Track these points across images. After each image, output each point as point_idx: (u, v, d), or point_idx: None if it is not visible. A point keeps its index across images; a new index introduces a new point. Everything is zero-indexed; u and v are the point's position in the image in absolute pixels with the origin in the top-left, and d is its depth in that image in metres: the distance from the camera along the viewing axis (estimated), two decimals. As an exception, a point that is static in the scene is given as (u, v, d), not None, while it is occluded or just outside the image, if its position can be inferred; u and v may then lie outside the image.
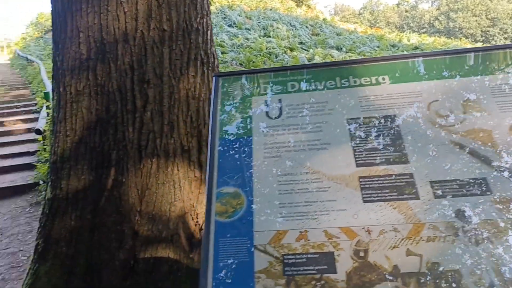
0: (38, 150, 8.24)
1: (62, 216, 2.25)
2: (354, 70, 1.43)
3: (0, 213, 5.85)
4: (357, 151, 1.25)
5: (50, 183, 2.36)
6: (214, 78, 1.42)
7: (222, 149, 1.25)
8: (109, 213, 2.20)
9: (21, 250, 4.63)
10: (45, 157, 7.51)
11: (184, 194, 2.27)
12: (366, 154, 1.24)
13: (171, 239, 2.22)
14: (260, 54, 12.82)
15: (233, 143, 1.26)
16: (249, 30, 17.64)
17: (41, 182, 6.48)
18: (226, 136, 1.28)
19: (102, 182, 2.22)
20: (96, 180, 2.23)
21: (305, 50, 15.05)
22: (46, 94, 7.38)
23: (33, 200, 6.16)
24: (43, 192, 6.28)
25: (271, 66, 11.86)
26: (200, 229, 2.29)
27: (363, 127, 1.29)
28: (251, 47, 13.99)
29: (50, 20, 2.66)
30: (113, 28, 2.23)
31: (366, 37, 20.32)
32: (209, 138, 1.25)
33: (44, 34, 23.09)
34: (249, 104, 1.36)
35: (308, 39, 17.24)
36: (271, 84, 1.39)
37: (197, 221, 2.29)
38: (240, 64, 12.22)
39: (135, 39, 2.24)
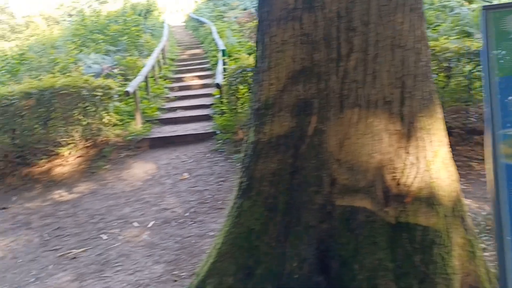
0: (213, 104, 9.14)
1: (265, 158, 2.44)
2: None
3: (186, 156, 6.75)
4: None
5: (254, 128, 2.55)
6: (483, 12, 1.30)
7: (503, 88, 1.14)
8: (309, 158, 2.30)
9: (206, 189, 5.28)
10: (221, 109, 8.28)
11: (383, 147, 2.22)
12: None
13: (367, 190, 2.22)
14: (432, 8, 11.59)
15: (517, 81, 1.14)
16: (418, -19, 16.01)
17: (217, 132, 7.20)
18: (507, 74, 1.16)
19: (303, 129, 2.31)
20: (298, 126, 2.33)
21: (487, 2, 13.04)
22: (224, 51, 8.02)
23: (211, 147, 6.91)
24: (220, 141, 6.98)
25: (446, 21, 10.61)
26: (398, 184, 2.23)
27: None
28: (421, 0, 12.76)
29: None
30: (322, -25, 2.23)
31: None
32: (485, 77, 1.15)
33: (213, -3, 24.89)
34: (530, 39, 1.20)
35: (491, -12, 14.86)
36: (562, 15, 1.20)
37: (394, 176, 2.23)
38: (408, 19, 11.26)
39: (343, -15, 2.21)
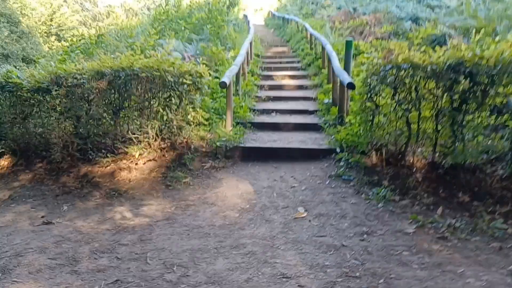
0: (318, 110, 7.22)
1: None
2: None
3: (295, 179, 4.84)
4: None
5: None
6: None
7: None
8: None
9: (344, 246, 3.31)
10: (332, 119, 6.34)
11: None
12: None
13: None
14: None
15: None
16: None
17: (337, 150, 5.24)
18: None
19: None
20: None
21: None
22: (349, 43, 6.07)
23: (329, 170, 4.95)
24: (342, 163, 5.01)
25: None
26: None
27: None
28: None
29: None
30: None
31: None
32: None
33: (300, -5, 23.13)
34: None
35: None
36: None
37: None
38: None
39: None
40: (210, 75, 6.43)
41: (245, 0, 33.39)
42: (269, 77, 10.33)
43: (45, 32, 38.77)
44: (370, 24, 12.11)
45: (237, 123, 6.38)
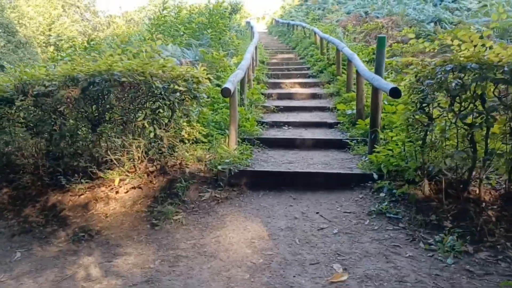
0: (338, 123, 6.06)
1: None
2: None
3: (322, 217, 3.65)
4: None
5: None
6: None
7: None
8: None
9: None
10: (359, 134, 5.19)
11: None
12: None
13: None
14: None
15: None
16: None
17: (374, 174, 4.05)
18: None
19: None
20: None
21: None
22: (381, 40, 4.91)
23: (368, 204, 3.75)
24: (383, 194, 3.82)
25: None
26: None
27: None
28: None
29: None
30: None
31: None
32: None
33: (305, 1, 22.16)
34: None
35: None
36: None
37: None
38: None
39: None
40: (210, 80, 5.31)
41: (247, 9, 32.54)
42: (277, 85, 9.22)
43: (43, 42, 37.87)
44: (386, 27, 11.02)
45: (243, 140, 5.22)
